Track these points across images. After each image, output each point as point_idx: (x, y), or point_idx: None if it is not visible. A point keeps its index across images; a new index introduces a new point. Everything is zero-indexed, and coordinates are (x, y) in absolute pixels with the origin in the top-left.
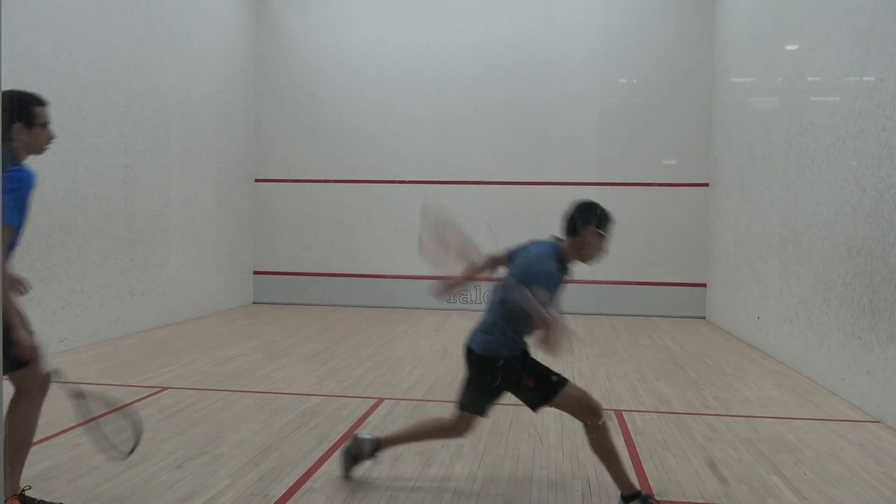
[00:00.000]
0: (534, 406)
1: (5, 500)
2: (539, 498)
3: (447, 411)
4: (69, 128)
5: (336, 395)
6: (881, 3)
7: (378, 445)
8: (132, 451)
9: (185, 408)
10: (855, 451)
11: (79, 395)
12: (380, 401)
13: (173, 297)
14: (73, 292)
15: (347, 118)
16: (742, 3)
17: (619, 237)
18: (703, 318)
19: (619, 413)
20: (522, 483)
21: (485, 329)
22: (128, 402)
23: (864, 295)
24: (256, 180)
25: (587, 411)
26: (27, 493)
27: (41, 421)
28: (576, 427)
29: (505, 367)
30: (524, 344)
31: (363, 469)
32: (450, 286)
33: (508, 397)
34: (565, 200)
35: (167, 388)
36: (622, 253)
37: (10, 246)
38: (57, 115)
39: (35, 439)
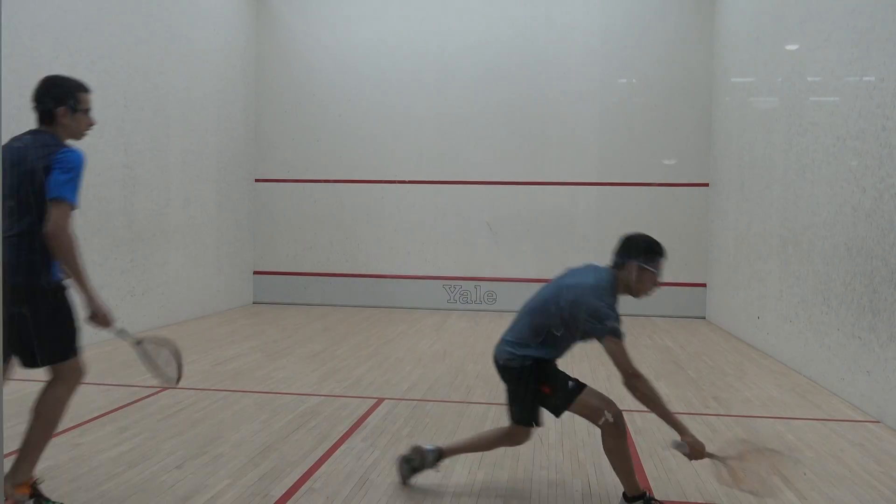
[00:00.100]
0: (554, 412)
1: (16, 486)
2: (539, 498)
3: (447, 411)
4: None
5: (336, 395)
6: (881, 3)
7: (440, 455)
8: (179, 377)
9: (185, 408)
10: (855, 451)
11: (139, 342)
12: (380, 401)
13: (173, 297)
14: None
15: (347, 118)
16: (742, 3)
17: (618, 237)
18: (703, 318)
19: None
20: (522, 483)
21: (511, 338)
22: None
23: (864, 295)
24: (256, 180)
25: (602, 415)
26: (39, 487)
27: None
28: (576, 427)
29: (529, 370)
30: (549, 357)
31: (362, 472)
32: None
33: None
34: (565, 200)
35: (166, 388)
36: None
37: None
38: None
39: None
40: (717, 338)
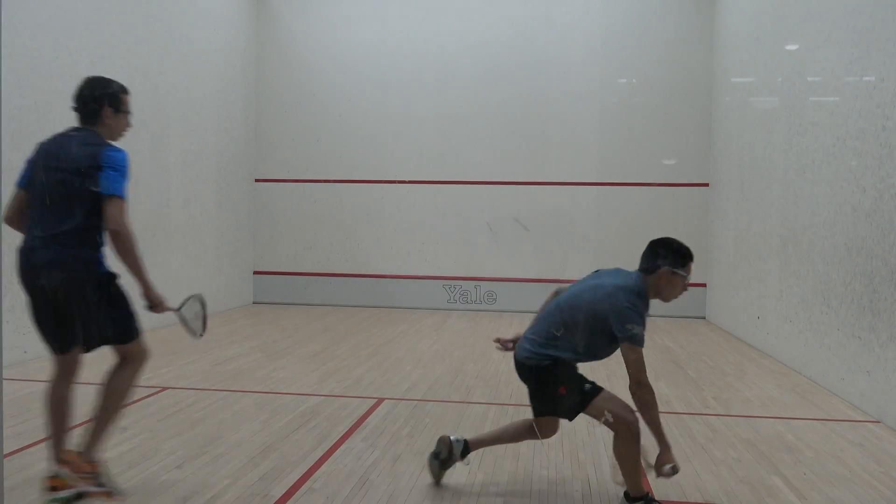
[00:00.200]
0: (568, 415)
1: (86, 463)
2: (539, 498)
3: (447, 411)
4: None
5: (336, 395)
6: (881, 3)
7: (468, 447)
8: (203, 332)
9: (185, 408)
10: (855, 451)
11: (179, 309)
12: (380, 401)
13: (173, 298)
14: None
15: (347, 118)
16: (742, 3)
17: (619, 237)
18: (703, 318)
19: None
20: (522, 483)
21: (532, 336)
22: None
23: (864, 295)
24: (256, 180)
25: (619, 421)
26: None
27: (41, 420)
28: (576, 427)
29: (548, 369)
30: (571, 359)
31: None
32: None
33: (517, 398)
34: (565, 200)
35: (167, 388)
36: (622, 253)
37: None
38: (57, 115)
39: (35, 439)
40: (717, 338)
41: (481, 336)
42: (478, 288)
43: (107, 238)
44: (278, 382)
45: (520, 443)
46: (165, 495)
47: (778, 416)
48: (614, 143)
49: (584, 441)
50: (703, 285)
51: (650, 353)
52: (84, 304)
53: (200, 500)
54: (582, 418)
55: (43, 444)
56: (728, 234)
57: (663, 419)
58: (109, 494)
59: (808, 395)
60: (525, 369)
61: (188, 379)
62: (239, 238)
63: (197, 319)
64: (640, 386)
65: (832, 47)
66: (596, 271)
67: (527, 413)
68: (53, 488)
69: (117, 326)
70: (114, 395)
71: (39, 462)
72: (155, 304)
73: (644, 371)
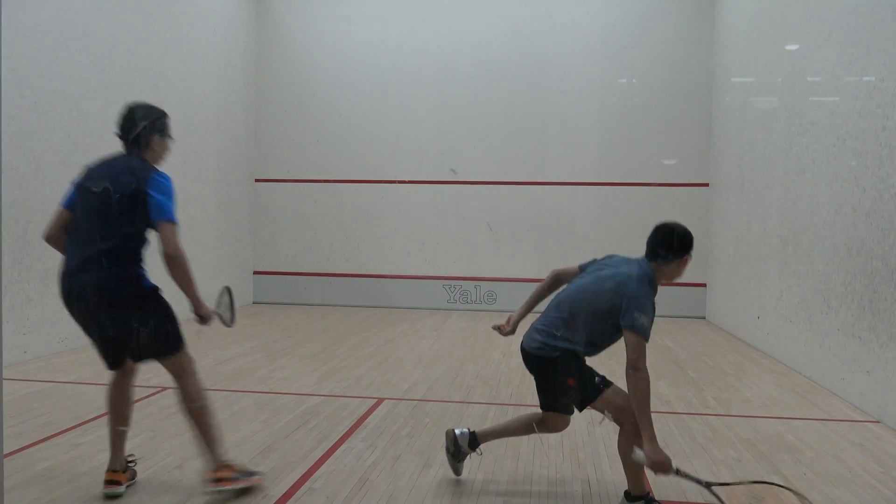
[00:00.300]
0: (577, 407)
1: (217, 470)
2: (539, 498)
3: (447, 411)
4: (69, 128)
5: (336, 395)
6: (881, 3)
7: (475, 437)
8: (233, 322)
9: None
10: (855, 451)
11: (218, 309)
12: (380, 401)
13: (174, 298)
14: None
15: (347, 118)
16: (742, 3)
17: (619, 237)
18: (703, 318)
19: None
20: (522, 483)
21: (541, 327)
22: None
23: (864, 295)
24: (256, 180)
25: (626, 417)
26: (232, 464)
27: (41, 420)
28: (576, 427)
29: (558, 360)
30: (580, 352)
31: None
32: None
33: (517, 398)
34: (565, 200)
35: (167, 388)
36: (622, 253)
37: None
38: (57, 115)
39: (35, 439)
40: (717, 338)
41: (481, 336)
42: (478, 288)
43: (162, 260)
44: (278, 382)
45: (520, 443)
46: (165, 495)
47: (778, 416)
48: (614, 143)
49: (584, 441)
50: (703, 285)
51: (650, 353)
52: (130, 322)
53: (200, 500)
54: (582, 419)
55: (44, 443)
56: (728, 234)
57: (664, 419)
58: (256, 478)
59: (808, 395)
60: (534, 360)
61: None
62: (239, 238)
63: (227, 310)
64: (636, 370)
65: (832, 47)
66: (593, 261)
67: (525, 413)
68: (217, 480)
69: (162, 340)
70: (193, 410)
71: (41, 461)
72: (205, 318)
73: (643, 357)
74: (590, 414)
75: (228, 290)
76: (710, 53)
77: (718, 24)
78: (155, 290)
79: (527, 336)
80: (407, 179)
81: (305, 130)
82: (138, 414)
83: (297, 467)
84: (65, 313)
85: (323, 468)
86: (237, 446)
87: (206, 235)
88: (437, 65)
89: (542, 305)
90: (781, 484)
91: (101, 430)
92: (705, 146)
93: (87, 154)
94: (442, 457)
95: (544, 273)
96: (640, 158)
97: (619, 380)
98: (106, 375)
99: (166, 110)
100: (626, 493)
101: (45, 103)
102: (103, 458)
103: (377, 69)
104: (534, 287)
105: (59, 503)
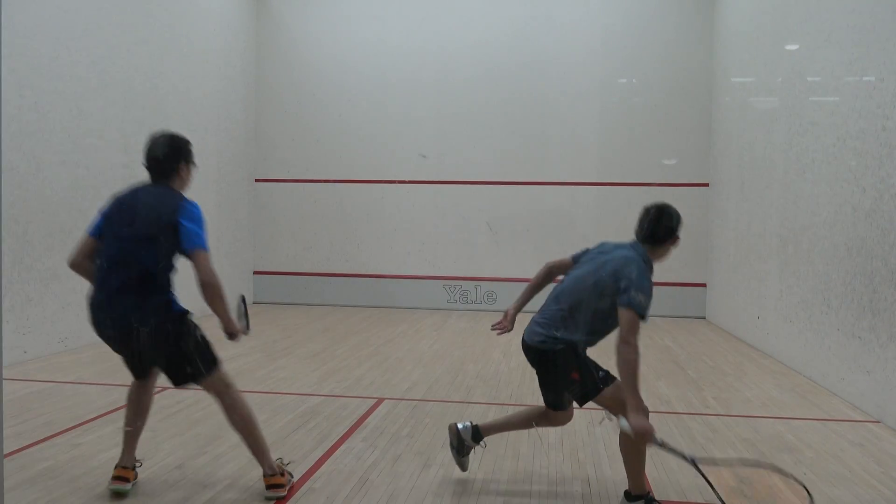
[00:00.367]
0: (579, 401)
1: (273, 476)
2: (539, 497)
3: (447, 411)
4: (69, 128)
5: (336, 395)
6: (881, 3)
7: (478, 430)
8: (248, 330)
9: (185, 408)
10: (855, 451)
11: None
12: (380, 401)
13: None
14: (74, 292)
15: (347, 118)
16: (742, 3)
17: (618, 237)
18: (703, 318)
19: None
20: (522, 483)
21: (543, 320)
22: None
23: (864, 295)
24: (256, 180)
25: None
26: (285, 466)
27: (41, 420)
28: (576, 427)
29: (560, 354)
30: (582, 343)
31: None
32: None
33: (517, 398)
34: (565, 200)
35: (167, 388)
36: None
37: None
38: (57, 115)
39: (35, 439)
40: (717, 338)
41: (481, 336)
42: (478, 288)
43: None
44: (278, 382)
45: (520, 443)
46: (165, 495)
47: (778, 416)
48: (614, 143)
49: (584, 441)
50: (703, 285)
51: (650, 353)
52: (164, 350)
53: (200, 500)
54: (582, 419)
55: (44, 443)
56: (728, 234)
57: (664, 419)
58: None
59: (808, 395)
60: (537, 353)
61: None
62: (239, 238)
63: (242, 318)
64: (626, 344)
65: (832, 47)
66: (586, 250)
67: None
68: (272, 487)
69: (197, 364)
70: (241, 426)
71: (41, 462)
72: (234, 335)
73: (635, 333)
74: (590, 414)
75: (243, 298)
76: (710, 53)
77: (718, 24)
78: (184, 313)
79: (528, 330)
80: (407, 179)
81: (305, 130)
82: None
83: (297, 467)
84: (65, 313)
85: (323, 468)
86: (237, 446)
87: None
88: (437, 65)
89: (538, 302)
90: (767, 465)
91: (101, 430)
92: (705, 146)
93: (87, 154)
94: (442, 457)
95: None
96: (640, 158)
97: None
98: (106, 376)
99: (166, 110)
100: (627, 493)
101: (45, 103)
102: (103, 458)
103: (377, 69)
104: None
105: (59, 503)
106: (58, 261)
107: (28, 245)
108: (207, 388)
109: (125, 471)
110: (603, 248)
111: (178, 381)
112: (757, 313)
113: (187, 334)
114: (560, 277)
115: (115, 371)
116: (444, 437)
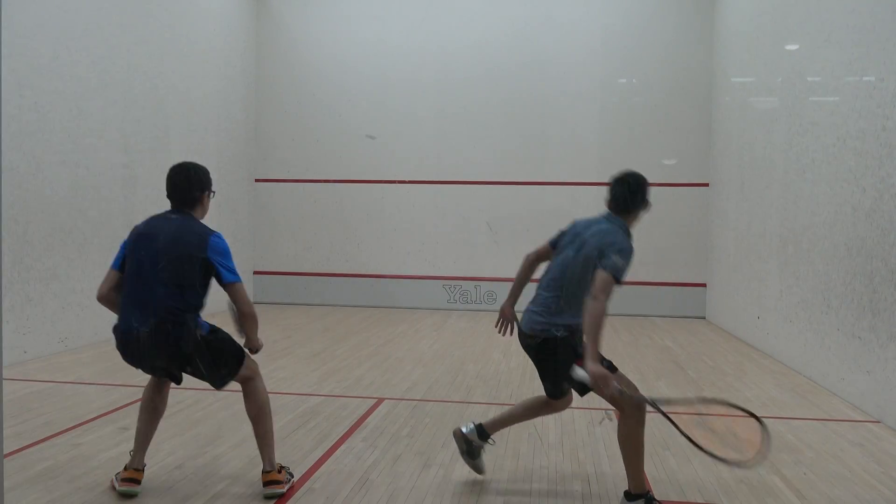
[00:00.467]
0: (579, 391)
1: (271, 473)
2: (539, 497)
3: (447, 411)
4: (69, 128)
5: (336, 395)
6: (881, 3)
7: (483, 429)
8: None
9: (185, 408)
10: (855, 451)
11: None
12: (380, 401)
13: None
14: (73, 292)
15: (347, 118)
16: (742, 3)
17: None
18: (703, 318)
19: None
20: (522, 482)
21: (539, 308)
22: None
23: (864, 295)
24: (256, 180)
25: (628, 403)
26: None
27: (41, 420)
28: (576, 427)
29: (560, 343)
30: (579, 324)
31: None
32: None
33: (517, 398)
34: (565, 200)
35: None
36: None
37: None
38: (57, 115)
39: (35, 439)
40: (717, 338)
41: (481, 336)
42: (478, 288)
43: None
44: (278, 382)
45: (520, 442)
46: (165, 495)
47: (778, 416)
48: (614, 143)
49: (584, 441)
50: (703, 285)
51: (650, 352)
52: (200, 366)
53: (200, 500)
54: (582, 419)
55: (44, 443)
56: (728, 234)
57: (664, 419)
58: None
59: (808, 395)
60: (537, 342)
61: (188, 379)
62: (239, 238)
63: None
64: (595, 300)
65: (832, 47)
66: (561, 233)
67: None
68: (270, 484)
69: (228, 367)
70: (255, 414)
71: (40, 462)
72: (257, 350)
73: (607, 293)
74: (590, 414)
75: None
76: (710, 53)
77: (718, 24)
78: (211, 330)
79: (526, 320)
80: (407, 179)
81: (305, 130)
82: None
83: (297, 467)
84: (65, 313)
85: (323, 468)
86: (237, 446)
87: None
88: (437, 65)
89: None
90: (721, 401)
91: (101, 430)
92: (705, 146)
93: (87, 154)
94: (442, 457)
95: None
96: (640, 158)
97: (620, 368)
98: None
99: (166, 110)
100: (626, 493)
101: (45, 103)
102: (103, 457)
103: (377, 69)
104: (533, 287)
105: (59, 503)
106: (58, 261)
107: (28, 245)
108: (238, 381)
109: (136, 472)
110: (578, 227)
111: (218, 385)
112: (757, 313)
113: (219, 349)
114: (543, 264)
115: (115, 371)
116: (444, 437)
